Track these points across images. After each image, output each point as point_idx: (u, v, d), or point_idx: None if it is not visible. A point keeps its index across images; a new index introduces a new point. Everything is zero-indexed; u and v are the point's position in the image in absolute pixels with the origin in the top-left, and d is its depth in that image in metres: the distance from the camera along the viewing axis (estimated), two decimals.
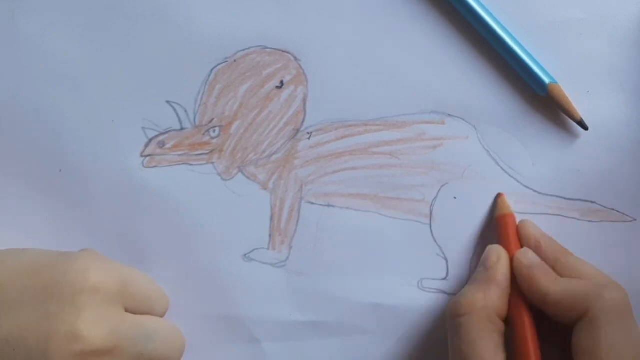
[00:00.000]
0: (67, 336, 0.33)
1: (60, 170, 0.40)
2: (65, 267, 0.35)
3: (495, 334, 0.36)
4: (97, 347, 0.33)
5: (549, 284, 0.36)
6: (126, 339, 0.35)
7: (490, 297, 0.36)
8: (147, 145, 0.40)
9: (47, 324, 0.33)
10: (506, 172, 0.41)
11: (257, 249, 0.40)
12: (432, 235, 0.40)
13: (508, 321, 0.37)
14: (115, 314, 0.35)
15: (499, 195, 0.40)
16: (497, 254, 0.38)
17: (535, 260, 0.37)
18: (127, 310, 0.36)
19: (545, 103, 0.41)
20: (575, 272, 0.37)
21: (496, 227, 0.40)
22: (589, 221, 0.41)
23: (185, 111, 0.40)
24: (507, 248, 0.38)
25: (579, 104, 0.40)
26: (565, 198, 0.41)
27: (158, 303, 0.38)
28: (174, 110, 0.40)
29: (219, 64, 0.40)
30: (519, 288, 0.37)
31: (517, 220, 0.40)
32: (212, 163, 0.40)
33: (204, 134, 0.40)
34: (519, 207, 0.41)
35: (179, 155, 0.40)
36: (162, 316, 0.38)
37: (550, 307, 0.36)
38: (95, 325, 0.34)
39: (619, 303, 0.35)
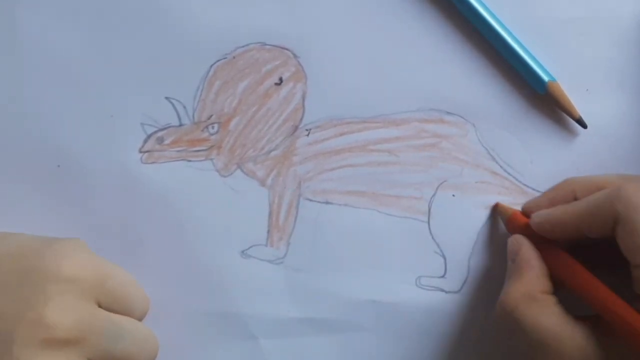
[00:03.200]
0: (32, 322, 0.33)
1: (59, 166, 0.40)
2: (44, 253, 0.35)
3: (552, 306, 0.35)
4: (62, 336, 0.33)
5: (571, 208, 0.36)
6: (94, 333, 0.34)
7: (528, 281, 0.36)
8: (145, 141, 0.40)
9: (16, 308, 0.33)
10: (505, 170, 0.41)
11: (255, 245, 0.40)
12: (431, 233, 0.40)
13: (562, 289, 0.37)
14: (86, 306, 0.35)
15: (495, 206, 0.40)
16: (517, 242, 0.38)
17: (546, 210, 0.37)
18: (102, 307, 0.36)
19: (544, 101, 0.41)
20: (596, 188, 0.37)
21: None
22: None
23: (184, 107, 0.40)
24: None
25: (578, 102, 0.40)
26: None
27: (137, 305, 0.37)
28: (173, 106, 0.40)
29: (218, 61, 0.40)
30: (553, 253, 0.37)
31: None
32: (211, 159, 0.40)
33: (202, 130, 0.40)
34: (517, 205, 0.40)
35: (178, 151, 0.40)
36: (139, 319, 0.38)
37: (585, 228, 0.35)
38: (62, 314, 0.33)
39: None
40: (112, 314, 0.36)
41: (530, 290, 0.36)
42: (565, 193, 0.38)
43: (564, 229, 0.36)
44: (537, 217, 0.38)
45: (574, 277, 0.36)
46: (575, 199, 0.38)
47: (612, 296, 0.34)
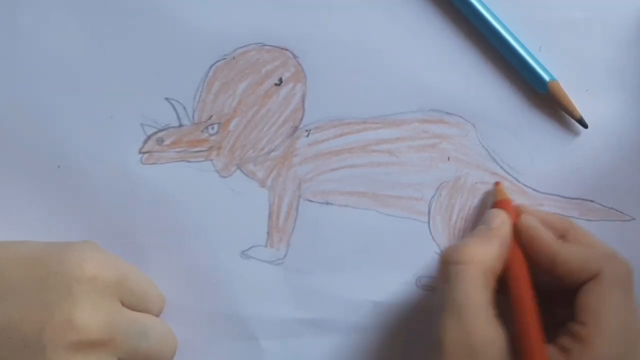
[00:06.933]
0: (62, 325, 0.33)
1: (59, 166, 0.40)
2: (63, 257, 0.34)
3: (488, 290, 0.35)
4: (93, 338, 0.33)
5: (559, 245, 0.37)
6: (122, 333, 0.34)
7: (490, 253, 0.36)
8: (145, 142, 0.40)
9: (43, 313, 0.33)
10: (505, 170, 0.41)
11: (255, 246, 0.40)
12: (431, 233, 0.40)
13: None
14: (112, 306, 0.35)
15: (496, 184, 0.40)
16: (501, 217, 0.38)
17: (539, 224, 0.38)
18: (124, 306, 0.36)
19: (545, 101, 0.41)
20: (584, 241, 0.38)
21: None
22: (588, 220, 0.41)
23: (184, 108, 0.40)
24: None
25: (579, 102, 0.40)
26: (564, 197, 0.41)
27: (155, 302, 0.38)
28: (173, 107, 0.40)
29: (218, 61, 0.40)
30: (517, 251, 0.37)
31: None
32: (211, 160, 0.40)
33: (202, 131, 0.40)
34: None
35: (178, 152, 0.40)
36: (157, 316, 0.38)
37: (559, 267, 0.36)
38: (91, 315, 0.33)
39: (625, 273, 0.36)
40: (135, 312, 0.36)
41: (487, 262, 0.35)
42: (562, 227, 0.38)
43: (541, 249, 0.37)
44: (530, 219, 0.38)
45: (516, 281, 0.36)
46: (561, 238, 0.38)
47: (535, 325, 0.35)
